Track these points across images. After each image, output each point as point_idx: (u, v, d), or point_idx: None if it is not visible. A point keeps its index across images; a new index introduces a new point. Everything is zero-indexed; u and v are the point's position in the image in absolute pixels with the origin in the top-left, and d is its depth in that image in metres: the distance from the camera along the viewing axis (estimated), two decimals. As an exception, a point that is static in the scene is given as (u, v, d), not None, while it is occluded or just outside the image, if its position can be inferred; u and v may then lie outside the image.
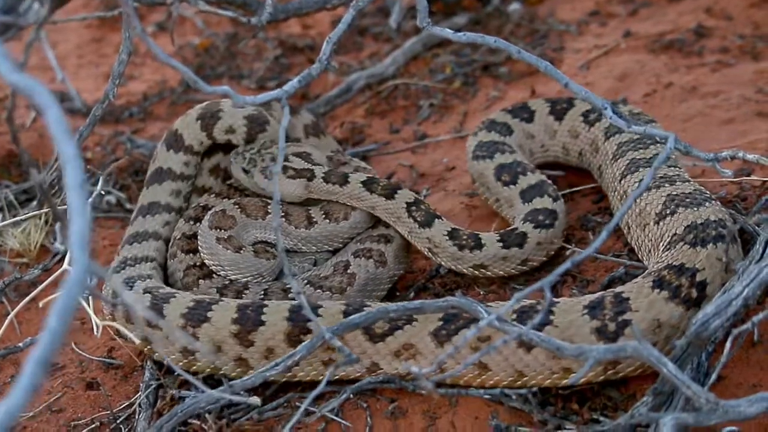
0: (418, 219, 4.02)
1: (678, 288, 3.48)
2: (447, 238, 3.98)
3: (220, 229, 4.07)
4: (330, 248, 4.18)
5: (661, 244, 3.75)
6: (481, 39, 3.54)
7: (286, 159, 4.15)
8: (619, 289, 3.54)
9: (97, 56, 6.18)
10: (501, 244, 3.99)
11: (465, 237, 3.99)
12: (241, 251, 4.03)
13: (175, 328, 3.71)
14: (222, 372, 3.73)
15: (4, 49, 2.31)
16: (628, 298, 3.47)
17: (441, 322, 3.54)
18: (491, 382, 3.52)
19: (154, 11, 6.41)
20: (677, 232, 3.70)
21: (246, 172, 4.16)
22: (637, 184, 4.01)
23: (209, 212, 4.15)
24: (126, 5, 2.94)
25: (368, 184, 4.08)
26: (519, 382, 3.50)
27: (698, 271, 3.52)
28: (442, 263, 4.05)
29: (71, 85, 5.07)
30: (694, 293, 3.49)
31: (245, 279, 4.03)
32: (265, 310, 3.66)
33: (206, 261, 4.07)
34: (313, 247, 4.15)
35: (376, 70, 5.58)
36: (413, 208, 4.03)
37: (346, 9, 3.60)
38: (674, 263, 3.56)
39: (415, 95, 5.43)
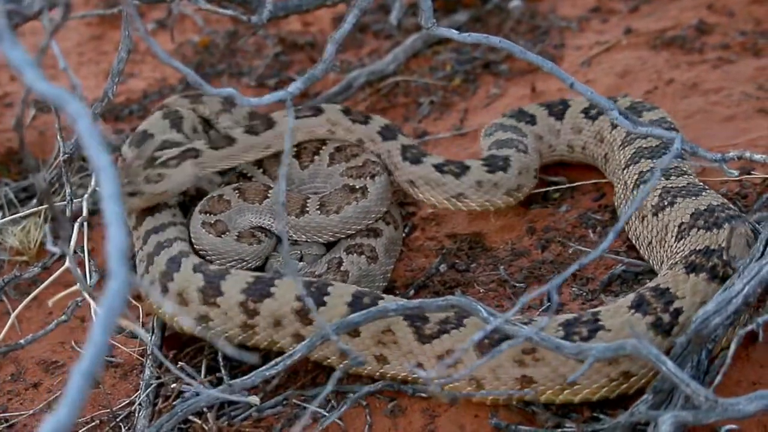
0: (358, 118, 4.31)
1: (714, 268, 3.48)
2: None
3: (209, 214, 4.10)
4: (320, 240, 4.16)
5: (667, 235, 3.75)
6: (485, 39, 3.53)
7: (156, 159, 4.07)
8: (651, 284, 3.52)
9: (97, 54, 6.18)
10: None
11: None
12: (223, 236, 4.03)
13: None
14: (279, 346, 3.71)
15: (29, 58, 2.31)
16: (668, 288, 3.46)
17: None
18: (532, 394, 3.45)
19: (154, 9, 6.39)
20: (684, 221, 3.71)
21: (134, 194, 4.02)
22: (637, 176, 4.02)
23: (206, 197, 4.18)
24: (127, 5, 2.94)
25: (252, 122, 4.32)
26: (562, 396, 3.44)
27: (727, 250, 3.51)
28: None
29: (74, 76, 5.09)
30: (731, 271, 3.47)
31: (228, 264, 4.03)
32: (329, 289, 3.64)
33: (194, 245, 4.09)
34: (303, 236, 4.14)
35: (377, 67, 5.57)
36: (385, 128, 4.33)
37: (347, 6, 3.60)
38: (698, 248, 3.56)
39: (416, 92, 5.42)
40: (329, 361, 3.70)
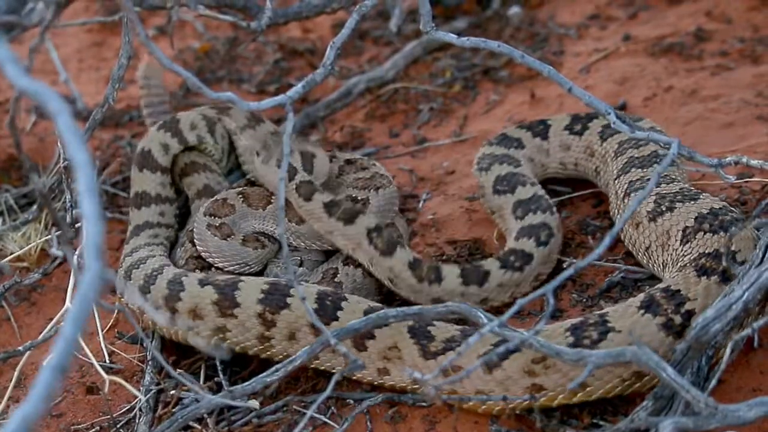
0: (379, 246, 3.90)
1: (725, 271, 3.47)
2: (407, 268, 3.86)
3: (214, 216, 4.11)
4: (318, 248, 4.15)
5: (671, 239, 3.75)
6: (484, 44, 3.54)
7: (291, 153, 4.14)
8: (661, 285, 3.51)
9: (98, 60, 6.18)
10: (461, 279, 3.89)
11: (425, 269, 3.85)
12: (228, 239, 4.04)
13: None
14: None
15: (12, 54, 2.31)
16: (678, 290, 3.45)
17: (491, 347, 3.42)
18: (544, 399, 3.41)
19: (154, 15, 6.41)
20: (687, 224, 3.71)
21: (258, 154, 4.19)
22: (627, 185, 4.02)
23: (211, 199, 4.19)
24: (129, 11, 2.94)
25: (330, 206, 3.95)
26: (575, 399, 3.43)
27: (736, 253, 3.51)
28: (402, 295, 3.94)
29: (74, 86, 5.09)
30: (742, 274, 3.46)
31: (231, 267, 4.04)
32: (343, 304, 3.64)
33: (197, 247, 4.10)
34: (302, 243, 4.14)
35: (376, 73, 5.58)
36: (374, 234, 3.90)
37: (347, 12, 3.61)
38: (707, 251, 3.56)
39: (415, 99, 5.43)
40: (336, 371, 3.69)
